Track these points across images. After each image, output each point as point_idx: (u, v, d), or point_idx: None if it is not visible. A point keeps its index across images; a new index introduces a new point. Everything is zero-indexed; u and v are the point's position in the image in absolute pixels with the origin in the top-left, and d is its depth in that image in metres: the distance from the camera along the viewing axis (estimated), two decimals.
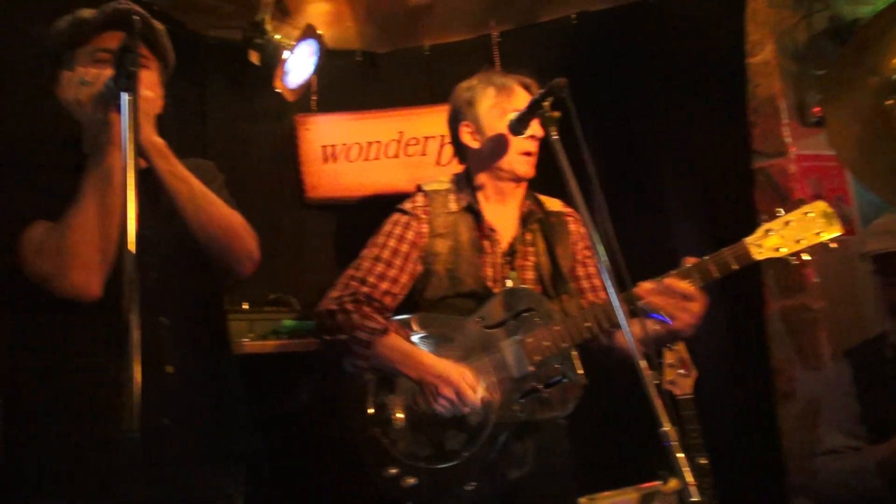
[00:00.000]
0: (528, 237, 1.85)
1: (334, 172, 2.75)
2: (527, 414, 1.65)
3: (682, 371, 2.27)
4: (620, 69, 2.74)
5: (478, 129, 1.86)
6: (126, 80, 1.22)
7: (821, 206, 1.57)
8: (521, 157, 1.81)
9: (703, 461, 1.38)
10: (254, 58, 2.53)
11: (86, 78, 1.37)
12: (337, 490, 2.32)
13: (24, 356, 1.40)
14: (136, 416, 1.02)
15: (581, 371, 1.68)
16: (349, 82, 2.90)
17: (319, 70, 2.72)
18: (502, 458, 1.69)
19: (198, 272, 1.48)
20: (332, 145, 2.77)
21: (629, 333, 1.27)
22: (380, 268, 1.78)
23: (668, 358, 2.28)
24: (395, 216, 1.87)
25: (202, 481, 1.45)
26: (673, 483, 1.18)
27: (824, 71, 2.70)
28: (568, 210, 1.93)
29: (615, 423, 2.38)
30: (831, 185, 2.72)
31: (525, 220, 1.85)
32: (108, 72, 1.36)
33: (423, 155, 2.75)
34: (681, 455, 1.15)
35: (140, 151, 1.37)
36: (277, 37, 2.51)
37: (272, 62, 2.52)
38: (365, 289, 1.75)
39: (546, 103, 1.56)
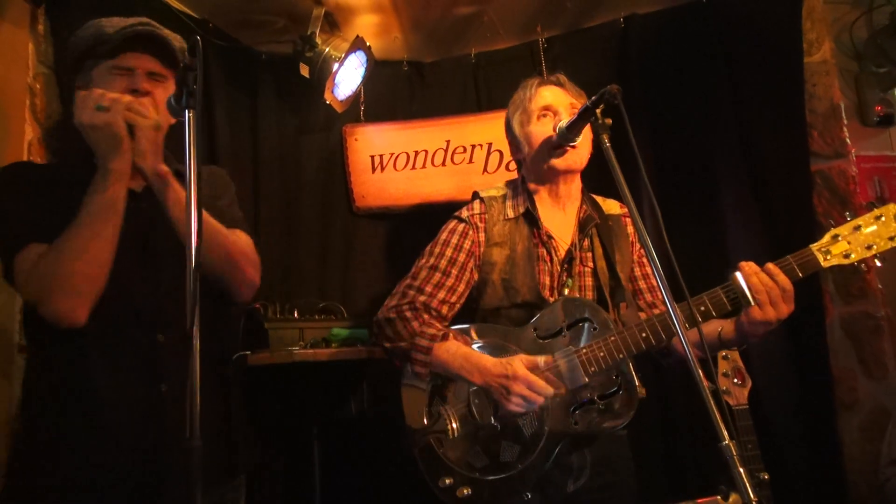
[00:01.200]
0: (586, 243, 1.82)
1: (382, 182, 2.79)
2: (582, 426, 1.63)
3: (736, 380, 2.20)
4: (670, 72, 2.69)
5: (516, 142, 1.89)
6: (189, 97, 1.27)
7: (893, 209, 1.50)
8: (555, 153, 1.78)
9: (764, 476, 1.34)
10: (304, 71, 2.59)
11: (102, 103, 1.36)
12: (393, 499, 2.35)
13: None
14: (195, 425, 1.04)
15: (638, 382, 1.64)
16: (396, 92, 2.94)
17: (367, 81, 2.76)
18: (559, 471, 1.68)
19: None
20: (380, 155, 2.80)
21: (686, 343, 1.24)
22: (437, 277, 1.78)
23: (723, 367, 2.22)
24: (452, 224, 1.87)
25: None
26: (734, 498, 1.14)
27: (886, 69, 2.61)
28: (625, 211, 1.90)
29: (678, 433, 2.33)
30: (894, 186, 2.61)
31: (583, 225, 1.83)
32: (126, 98, 1.38)
33: (470, 163, 2.76)
34: (742, 469, 1.12)
35: (144, 177, 1.40)
36: (327, 49, 2.56)
37: (322, 75, 2.57)
38: (422, 297, 1.76)
39: (598, 110, 1.54)
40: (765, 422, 2.28)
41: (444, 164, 2.78)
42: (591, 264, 1.80)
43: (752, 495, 1.10)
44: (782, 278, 1.52)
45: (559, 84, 1.86)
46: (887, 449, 1.83)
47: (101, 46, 1.48)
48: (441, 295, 1.77)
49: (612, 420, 1.63)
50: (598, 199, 1.91)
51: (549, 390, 1.57)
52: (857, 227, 1.51)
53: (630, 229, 1.88)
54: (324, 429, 2.43)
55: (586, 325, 1.68)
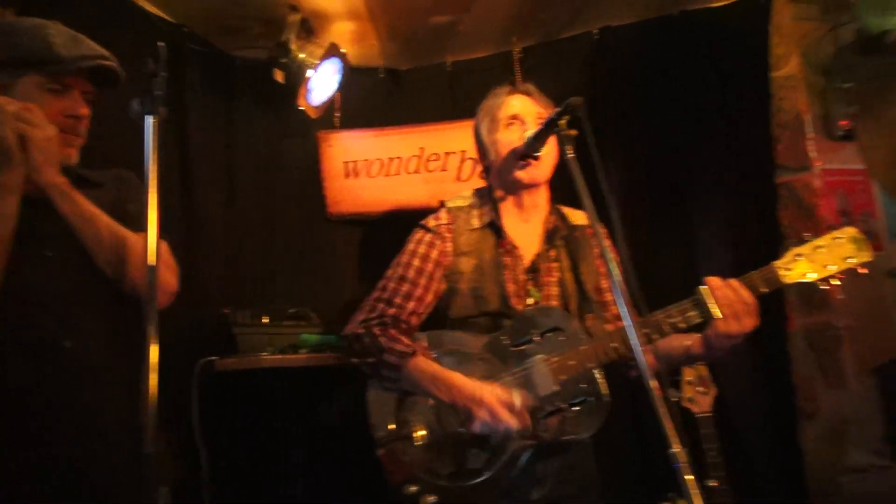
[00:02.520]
0: (553, 253, 1.84)
1: (356, 188, 2.80)
2: (550, 434, 1.64)
3: (701, 388, 2.25)
4: (643, 84, 2.73)
5: (484, 149, 1.91)
6: (151, 103, 1.28)
7: (851, 231, 1.57)
8: (519, 165, 1.80)
9: (712, 483, 1.36)
10: (279, 77, 2.60)
11: (25, 114, 1.32)
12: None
13: None
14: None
15: (606, 391, 1.66)
16: (372, 99, 2.96)
17: (343, 87, 2.77)
18: (524, 478, 1.68)
19: (104, 300, 1.45)
20: (354, 161, 2.82)
21: (640, 354, 1.26)
22: (405, 287, 1.79)
23: (688, 375, 2.26)
24: (419, 234, 1.87)
25: None
26: None
27: (851, 84, 2.67)
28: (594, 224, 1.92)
29: (642, 442, 2.36)
30: (858, 199, 2.66)
31: (549, 236, 1.85)
32: (12, 107, 1.31)
33: (444, 170, 2.78)
34: (690, 477, 1.14)
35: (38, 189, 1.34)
36: (302, 56, 2.57)
37: (296, 81, 2.58)
38: (392, 310, 1.76)
39: (562, 122, 1.56)
40: (729, 429, 2.32)
41: (418, 171, 2.80)
42: (557, 275, 1.82)
43: (698, 502, 1.13)
44: (745, 293, 1.55)
45: (528, 93, 1.89)
46: (843, 458, 1.86)
47: (50, 66, 1.42)
48: (410, 306, 1.78)
49: (581, 428, 1.64)
50: (567, 209, 1.93)
51: (513, 424, 1.56)
52: (818, 247, 1.56)
53: (602, 241, 1.88)
54: (296, 435, 2.44)
55: (557, 334, 1.69)
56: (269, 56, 2.63)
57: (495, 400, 1.57)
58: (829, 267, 1.54)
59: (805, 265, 1.55)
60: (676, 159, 2.65)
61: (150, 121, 1.27)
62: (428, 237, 1.85)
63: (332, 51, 2.59)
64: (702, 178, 2.59)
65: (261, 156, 2.85)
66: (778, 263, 1.57)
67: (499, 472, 1.64)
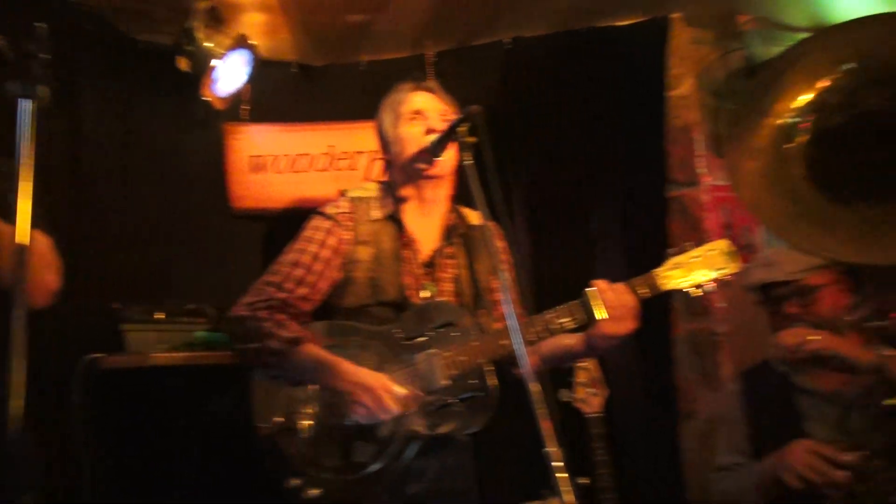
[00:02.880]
0: (450, 250, 1.87)
1: (262, 183, 2.75)
2: (437, 428, 1.67)
3: (592, 390, 2.34)
4: (551, 94, 2.82)
5: (387, 143, 1.91)
6: (28, 87, 1.21)
7: (723, 244, 1.69)
8: (421, 155, 1.81)
9: (583, 481, 1.43)
10: (182, 64, 2.51)
11: None
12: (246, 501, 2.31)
13: None
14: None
15: (495, 387, 1.70)
16: (283, 94, 2.91)
17: (252, 80, 2.71)
18: (402, 472, 1.70)
19: None
20: (261, 156, 2.77)
21: (522, 354, 1.31)
22: (299, 272, 1.76)
23: (580, 377, 2.36)
24: (317, 220, 1.85)
25: None
26: (554, 502, 1.22)
27: (738, 107, 2.87)
28: (492, 224, 1.96)
29: (524, 442, 2.43)
30: (741, 215, 2.86)
31: (448, 233, 1.88)
32: None
33: (353, 170, 2.77)
34: (562, 475, 1.20)
35: None
36: (208, 45, 2.50)
37: (201, 70, 2.50)
38: (281, 294, 1.73)
39: (462, 128, 1.60)
40: (617, 429, 2.44)
41: (326, 169, 2.78)
42: (453, 271, 1.85)
43: (569, 498, 1.19)
44: (628, 296, 1.64)
45: (430, 90, 1.91)
46: (714, 456, 2.00)
47: None
48: (302, 291, 1.75)
49: (468, 423, 1.68)
50: (466, 210, 1.96)
51: (395, 410, 1.59)
52: (694, 257, 1.68)
53: (495, 241, 1.94)
54: (189, 435, 2.37)
55: (450, 329, 1.72)
56: (174, 43, 2.54)
57: (379, 385, 1.60)
58: (703, 276, 1.65)
59: (682, 273, 1.66)
60: (578, 168, 2.76)
61: (25, 105, 1.20)
62: (326, 224, 1.83)
63: (241, 42, 2.53)
64: (601, 187, 2.72)
65: (162, 146, 2.74)
66: (658, 271, 1.68)
67: (385, 465, 1.65)
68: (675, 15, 2.79)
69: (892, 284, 1.90)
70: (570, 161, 2.77)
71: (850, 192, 1.68)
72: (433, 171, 1.82)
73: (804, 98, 1.73)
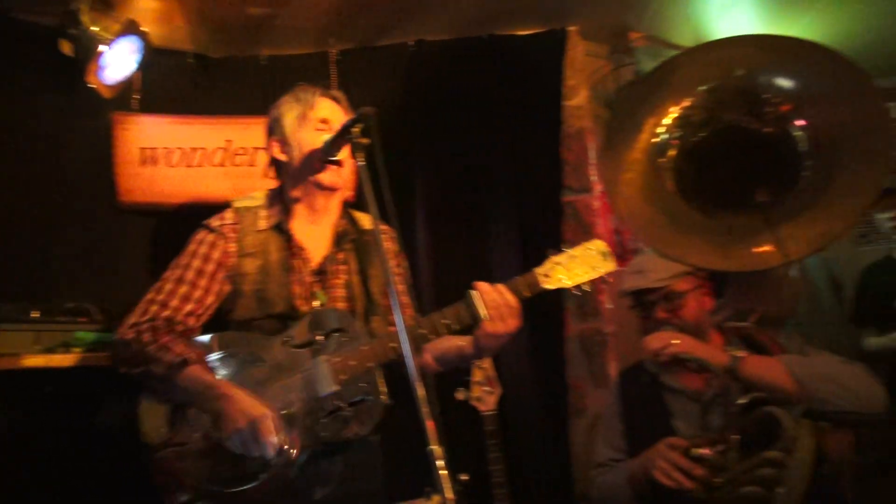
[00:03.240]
0: (341, 256, 1.86)
1: (153, 176, 2.63)
2: (329, 433, 1.66)
3: (487, 388, 2.41)
4: (453, 98, 2.87)
5: (285, 142, 1.85)
6: None
7: (599, 244, 1.77)
8: (328, 167, 1.81)
9: (464, 477, 1.48)
10: (65, 48, 2.37)
11: None
12: None
13: None
14: None
15: (384, 390, 1.72)
16: (178, 84, 2.79)
17: (144, 68, 2.59)
18: (306, 478, 1.68)
19: None
20: (153, 148, 2.64)
21: (409, 355, 1.33)
22: (183, 289, 1.72)
23: (476, 376, 2.42)
24: (201, 234, 1.81)
25: None
26: (436, 499, 1.25)
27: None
28: (383, 227, 1.96)
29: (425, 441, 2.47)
30: None
31: (339, 239, 1.87)
32: None
33: (251, 166, 2.70)
34: (444, 472, 1.23)
35: None
36: (94, 29, 2.37)
37: (87, 55, 2.37)
38: (166, 312, 1.69)
39: (356, 129, 1.60)
40: (509, 425, 2.52)
41: (223, 164, 2.69)
42: (344, 277, 1.85)
43: (449, 495, 1.22)
44: (509, 296, 1.69)
45: (336, 100, 1.90)
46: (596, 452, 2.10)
47: None
48: (188, 308, 1.71)
49: (358, 427, 1.69)
50: (358, 214, 1.97)
51: (270, 452, 1.52)
52: (572, 257, 1.75)
53: (386, 245, 1.94)
54: (63, 442, 2.23)
55: (340, 335, 1.72)
56: (58, 25, 2.39)
57: (262, 420, 1.53)
58: (581, 275, 1.73)
59: (561, 272, 1.73)
60: (478, 172, 2.82)
61: None
62: (210, 237, 1.79)
63: (131, 28, 2.41)
64: (499, 191, 2.79)
65: (44, 133, 2.56)
66: (539, 270, 1.73)
67: (277, 474, 1.62)
68: (571, 28, 2.91)
69: (752, 289, 2.07)
70: (470, 164, 2.83)
71: (714, 203, 1.81)
72: (329, 181, 1.81)
73: (672, 114, 1.86)
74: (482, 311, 1.67)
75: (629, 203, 1.83)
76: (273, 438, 1.52)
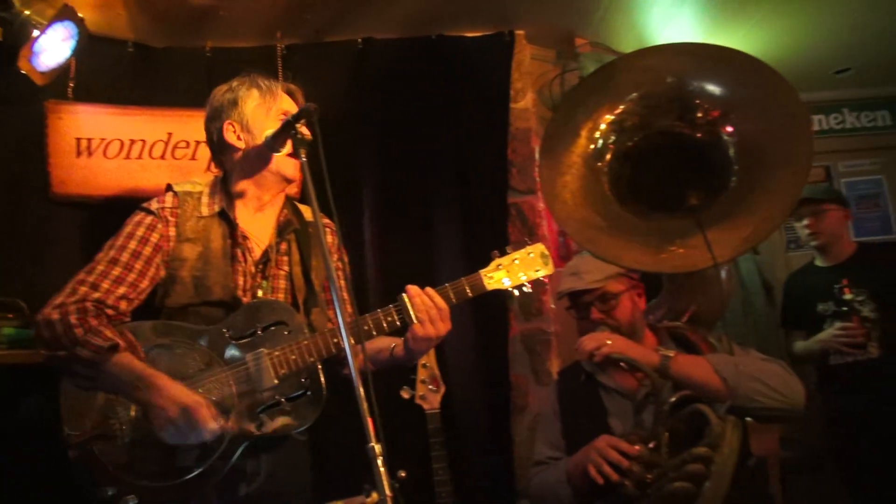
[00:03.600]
0: (283, 247, 1.84)
1: (89, 168, 2.53)
2: (267, 427, 1.63)
3: (432, 386, 2.42)
4: (400, 97, 2.87)
5: (244, 128, 1.80)
6: None
7: (539, 248, 1.81)
8: (288, 158, 1.78)
9: (401, 473, 1.47)
10: None
11: None
12: None
13: None
14: None
15: (324, 385, 1.70)
16: (116, 73, 2.70)
17: (80, 56, 2.49)
18: (232, 474, 1.65)
19: None
20: (89, 139, 2.55)
21: (349, 351, 1.33)
22: (116, 271, 1.66)
23: (421, 374, 2.42)
24: (139, 216, 1.76)
25: None
26: (374, 496, 1.25)
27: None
28: (325, 221, 1.92)
29: (360, 439, 2.46)
30: None
31: (282, 229, 1.84)
32: None
33: (193, 160, 2.64)
34: (382, 469, 1.23)
35: None
36: (27, 12, 2.27)
37: (18, 40, 2.27)
38: (96, 294, 1.62)
39: (299, 125, 1.59)
40: (453, 423, 2.54)
41: (163, 157, 2.62)
42: (286, 268, 1.82)
43: (388, 492, 1.22)
44: (439, 300, 1.70)
45: (293, 94, 1.88)
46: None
47: None
48: (120, 291, 1.65)
49: (297, 421, 1.66)
50: (302, 207, 1.94)
51: (209, 427, 1.50)
52: (515, 260, 1.79)
53: (329, 238, 1.93)
54: None
55: (281, 328, 1.69)
56: None
57: (195, 407, 1.51)
58: (522, 276, 1.77)
59: (503, 274, 1.77)
60: (424, 172, 2.82)
61: None
62: (148, 219, 1.74)
63: (66, 13, 2.32)
64: (445, 191, 2.80)
65: None
66: (483, 272, 1.76)
67: (211, 468, 1.59)
68: (518, 31, 2.96)
69: (685, 289, 2.14)
70: (416, 163, 2.83)
71: (648, 206, 1.87)
72: (293, 174, 1.79)
73: (608, 118, 1.91)
74: (413, 315, 1.68)
75: (566, 206, 1.87)
76: (210, 425, 1.50)
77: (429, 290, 1.70)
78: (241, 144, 1.81)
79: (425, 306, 1.68)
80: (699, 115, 1.83)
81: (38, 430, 2.10)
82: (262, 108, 1.79)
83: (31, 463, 2.12)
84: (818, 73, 3.76)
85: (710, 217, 1.75)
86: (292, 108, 1.82)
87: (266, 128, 1.78)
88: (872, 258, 2.99)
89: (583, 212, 1.85)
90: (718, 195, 1.80)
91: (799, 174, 1.70)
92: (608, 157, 1.90)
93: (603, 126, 1.91)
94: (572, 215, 1.86)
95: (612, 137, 1.89)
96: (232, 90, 1.84)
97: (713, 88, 1.84)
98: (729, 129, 1.82)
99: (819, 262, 3.13)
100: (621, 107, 1.90)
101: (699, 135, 1.85)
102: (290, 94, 1.87)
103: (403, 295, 1.70)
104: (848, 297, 2.88)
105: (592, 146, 1.90)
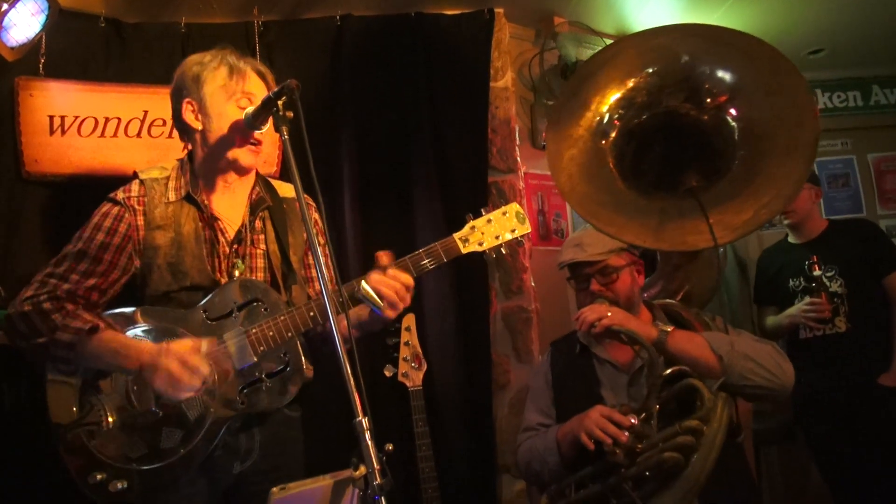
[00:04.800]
0: (258, 225, 1.81)
1: (62, 146, 2.48)
2: (248, 405, 1.64)
3: (414, 364, 2.44)
4: (379, 75, 2.85)
5: (201, 110, 1.75)
6: None
7: (514, 207, 1.78)
8: (246, 146, 1.75)
9: (389, 447, 1.48)
10: None
11: None
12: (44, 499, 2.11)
13: None
14: None
15: (305, 361, 1.69)
16: (89, 49, 2.64)
17: (51, 31, 2.43)
18: (224, 452, 1.67)
19: None
20: (62, 116, 2.49)
21: (334, 326, 1.33)
22: (84, 265, 1.64)
23: (403, 352, 2.45)
24: (106, 207, 1.73)
25: None
26: (362, 470, 1.26)
27: (553, 102, 3.10)
28: (308, 200, 1.86)
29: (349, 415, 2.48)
30: (553, 202, 3.12)
31: (254, 207, 1.81)
32: None
33: (170, 138, 2.58)
34: (370, 442, 1.25)
35: None
36: None
37: None
38: (66, 286, 1.61)
39: (280, 102, 1.56)
40: (436, 400, 2.57)
41: (139, 135, 2.57)
42: (262, 246, 1.80)
43: (376, 464, 1.24)
44: (404, 277, 1.67)
45: (262, 75, 1.81)
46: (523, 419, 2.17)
47: None
48: (90, 282, 1.64)
49: (278, 398, 1.67)
50: (276, 183, 1.92)
51: (204, 369, 1.53)
52: (489, 221, 1.76)
53: (316, 215, 1.89)
54: None
55: (258, 305, 1.69)
56: None
57: (180, 349, 1.53)
58: (498, 237, 1.74)
59: (478, 236, 1.74)
60: (404, 151, 2.81)
61: None
62: (115, 210, 1.72)
63: None
64: (425, 170, 2.79)
65: None
66: (457, 235, 1.74)
67: (196, 449, 1.60)
68: (498, 10, 2.94)
69: (681, 269, 2.17)
70: (395, 143, 2.81)
71: (651, 185, 1.88)
72: (249, 163, 1.76)
73: (617, 94, 1.90)
74: (377, 303, 1.65)
75: (571, 179, 1.86)
76: (203, 368, 1.53)
77: (390, 271, 1.67)
78: (198, 125, 1.76)
79: (391, 289, 1.64)
80: (707, 97, 1.83)
81: (23, 415, 2.10)
82: (225, 92, 1.73)
83: (16, 445, 2.11)
84: (791, 54, 3.74)
85: (712, 199, 1.75)
86: (258, 91, 1.76)
87: (225, 112, 1.73)
88: (842, 235, 3.07)
89: (587, 186, 1.85)
90: (721, 178, 1.80)
91: (803, 162, 1.70)
92: (614, 134, 1.88)
93: (611, 101, 1.89)
94: (576, 188, 1.85)
95: (620, 113, 1.88)
96: (201, 65, 1.77)
97: (723, 72, 1.82)
98: (735, 112, 1.82)
99: (791, 240, 3.20)
100: (631, 83, 1.88)
101: (705, 117, 1.85)
102: (260, 75, 1.81)
103: (362, 286, 1.64)
104: (817, 273, 2.94)
105: (599, 121, 1.90)
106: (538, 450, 1.95)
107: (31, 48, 2.43)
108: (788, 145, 1.74)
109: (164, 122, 2.60)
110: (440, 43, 2.86)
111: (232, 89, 1.74)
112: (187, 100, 1.76)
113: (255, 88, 1.77)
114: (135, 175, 1.79)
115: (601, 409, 1.78)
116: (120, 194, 1.74)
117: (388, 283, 1.65)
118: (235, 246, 1.77)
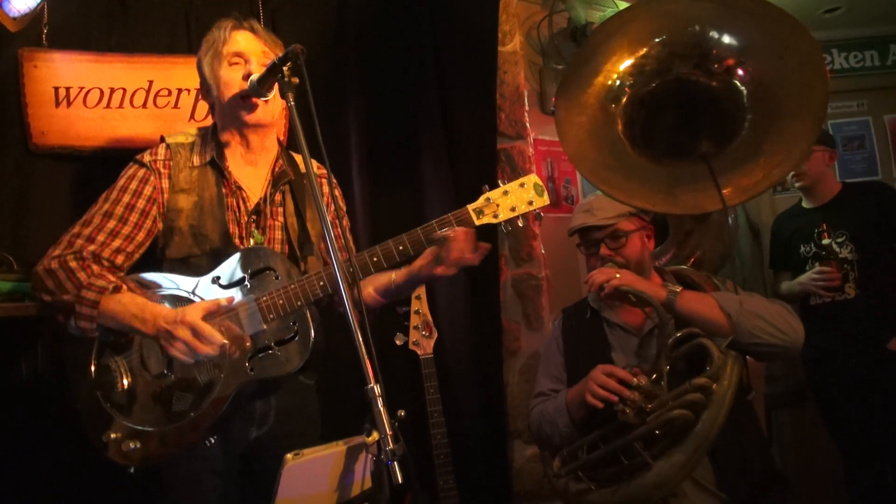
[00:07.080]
0: (278, 198, 1.83)
1: (69, 118, 2.46)
2: (257, 372, 1.65)
3: (425, 332, 2.45)
4: (384, 42, 2.79)
5: (206, 84, 1.82)
6: None
7: (533, 178, 1.73)
8: (245, 104, 1.75)
9: (401, 413, 1.49)
10: None
11: None
12: (63, 462, 2.16)
13: None
14: None
15: (314, 329, 1.70)
16: (92, 19, 2.58)
17: (55, 1, 2.40)
18: (240, 417, 1.71)
19: None
20: (67, 87, 2.47)
21: (345, 295, 1.33)
22: (111, 224, 1.68)
23: (414, 321, 2.46)
24: (132, 169, 1.76)
25: None
26: (374, 435, 1.28)
27: (562, 66, 3.04)
28: (322, 171, 1.91)
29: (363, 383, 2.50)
30: (562, 168, 3.09)
31: (276, 180, 1.84)
32: None
33: (176, 108, 2.57)
34: (382, 408, 1.26)
35: None
36: None
37: None
38: (92, 247, 1.65)
39: (285, 68, 1.54)
40: (447, 368, 2.58)
41: (144, 105, 2.55)
42: (281, 219, 1.83)
43: (388, 430, 1.25)
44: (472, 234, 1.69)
45: (252, 30, 1.81)
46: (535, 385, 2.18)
47: None
48: (115, 244, 1.67)
49: (286, 365, 1.68)
50: (298, 156, 1.92)
51: (218, 338, 1.55)
52: (506, 192, 1.71)
53: (326, 189, 1.92)
54: None
55: (269, 273, 1.70)
56: None
57: (197, 317, 1.55)
58: (514, 209, 1.69)
59: (493, 207, 1.69)
60: (413, 117, 2.77)
61: None
62: (142, 172, 1.75)
63: None
64: (434, 138, 2.76)
65: None
66: (471, 206, 1.70)
67: (205, 413, 1.63)
68: None
69: (692, 234, 2.16)
70: (403, 109, 2.77)
71: (660, 151, 1.87)
72: (253, 118, 1.76)
73: (627, 61, 1.89)
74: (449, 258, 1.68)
75: (581, 145, 1.86)
76: (216, 337, 1.54)
77: (460, 229, 1.67)
78: (210, 99, 1.82)
79: (461, 251, 1.67)
80: (715, 63, 1.81)
81: (40, 387, 2.13)
82: (213, 58, 1.78)
83: (35, 411, 2.15)
84: (807, 12, 3.72)
85: (722, 163, 1.75)
86: (249, 47, 1.77)
87: (220, 77, 1.76)
88: (855, 199, 3.03)
89: (596, 152, 1.85)
90: (731, 142, 1.80)
91: (812, 123, 1.69)
92: (624, 100, 1.88)
93: (622, 68, 1.89)
94: (587, 155, 1.86)
95: (630, 80, 1.87)
96: (206, 40, 1.82)
97: (732, 36, 1.81)
98: (744, 75, 1.80)
99: (805, 204, 3.17)
100: (643, 50, 1.88)
101: (714, 83, 1.83)
102: (252, 31, 1.81)
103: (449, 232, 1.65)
104: (826, 241, 2.92)
105: (609, 87, 1.89)
106: (549, 413, 1.97)
107: (33, 18, 2.40)
108: (798, 107, 1.73)
109: (170, 93, 2.58)
110: (446, 6, 2.80)
111: (221, 55, 1.77)
112: (200, 80, 1.84)
113: (243, 46, 1.77)
114: (161, 139, 1.82)
115: (603, 367, 1.80)
116: (147, 157, 1.77)
117: (462, 240, 1.66)
118: (254, 217, 1.79)
